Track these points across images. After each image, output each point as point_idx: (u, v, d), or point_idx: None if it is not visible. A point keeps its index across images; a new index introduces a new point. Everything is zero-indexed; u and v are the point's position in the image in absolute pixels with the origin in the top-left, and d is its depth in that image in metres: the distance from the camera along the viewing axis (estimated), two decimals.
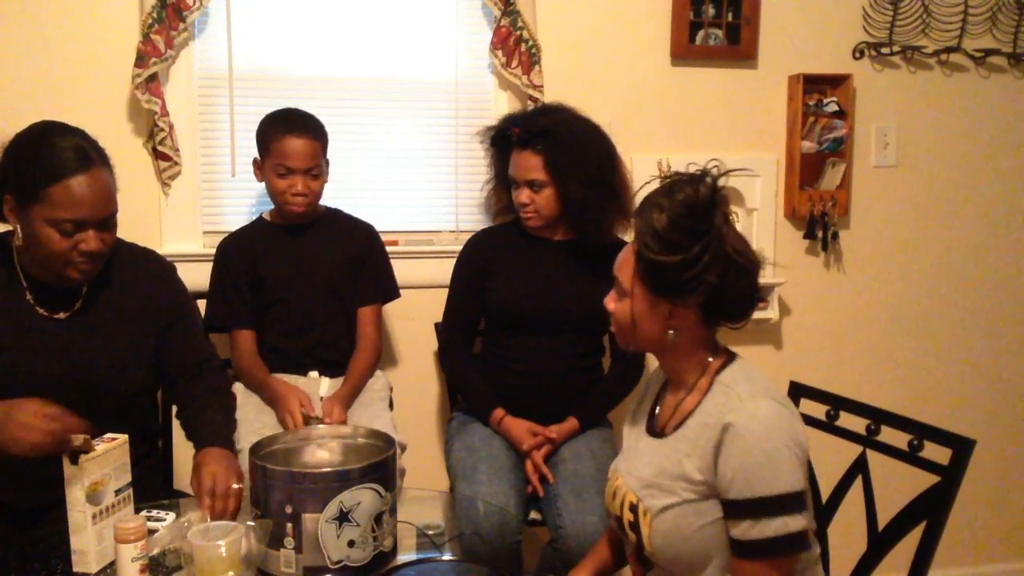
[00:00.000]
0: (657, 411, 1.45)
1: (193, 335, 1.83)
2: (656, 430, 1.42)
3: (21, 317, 1.58)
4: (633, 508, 1.36)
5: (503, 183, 2.22)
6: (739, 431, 1.22)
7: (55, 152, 1.50)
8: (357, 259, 2.18)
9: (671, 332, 1.33)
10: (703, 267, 1.25)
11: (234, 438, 1.75)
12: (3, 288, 1.58)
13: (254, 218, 2.21)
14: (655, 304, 1.32)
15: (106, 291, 1.66)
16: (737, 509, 1.23)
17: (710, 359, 1.36)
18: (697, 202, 1.26)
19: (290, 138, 2.03)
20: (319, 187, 2.09)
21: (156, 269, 1.76)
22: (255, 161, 2.11)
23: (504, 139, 2.14)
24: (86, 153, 1.52)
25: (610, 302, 1.40)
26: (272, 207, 2.16)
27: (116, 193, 1.58)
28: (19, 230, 1.53)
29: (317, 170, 2.07)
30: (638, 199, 1.36)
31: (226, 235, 2.18)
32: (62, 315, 1.61)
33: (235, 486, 1.51)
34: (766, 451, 1.21)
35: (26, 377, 1.55)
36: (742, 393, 1.27)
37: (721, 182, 1.30)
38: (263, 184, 2.12)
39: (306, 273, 2.12)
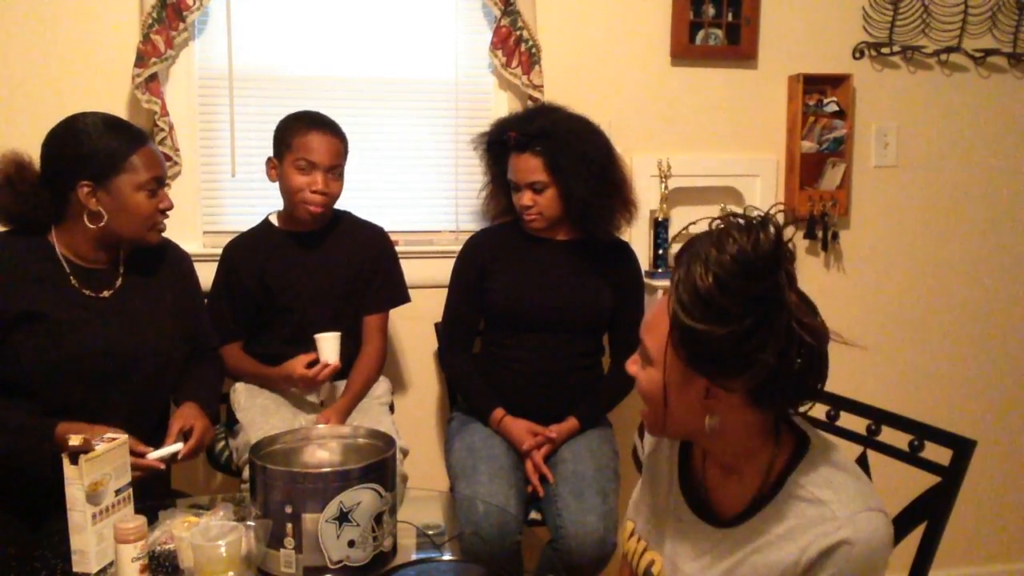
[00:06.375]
0: (694, 468, 1.22)
1: (204, 322, 1.99)
2: (703, 508, 1.18)
3: (68, 297, 1.71)
4: None
5: (500, 188, 2.22)
6: (844, 555, 1.02)
7: (119, 129, 1.70)
8: (369, 268, 2.14)
9: (708, 417, 1.06)
10: (757, 344, 0.98)
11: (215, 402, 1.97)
12: (49, 273, 1.71)
13: (260, 220, 2.17)
14: (689, 379, 1.05)
15: (139, 274, 1.81)
16: None
17: (771, 447, 1.11)
18: (755, 259, 0.98)
19: (315, 133, 1.99)
20: (338, 190, 2.06)
21: (178, 258, 1.92)
22: (269, 160, 2.07)
23: (500, 144, 2.14)
24: (137, 128, 1.75)
25: (632, 365, 1.14)
26: (279, 210, 2.12)
27: None
28: (102, 211, 1.68)
29: (339, 170, 2.04)
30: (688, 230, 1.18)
31: (233, 237, 2.15)
32: (106, 293, 1.75)
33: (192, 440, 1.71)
34: (863, 572, 1.03)
35: (74, 349, 1.67)
36: (837, 508, 1.04)
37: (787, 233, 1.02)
38: (265, 184, 2.10)
39: (315, 283, 2.08)
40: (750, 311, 0.98)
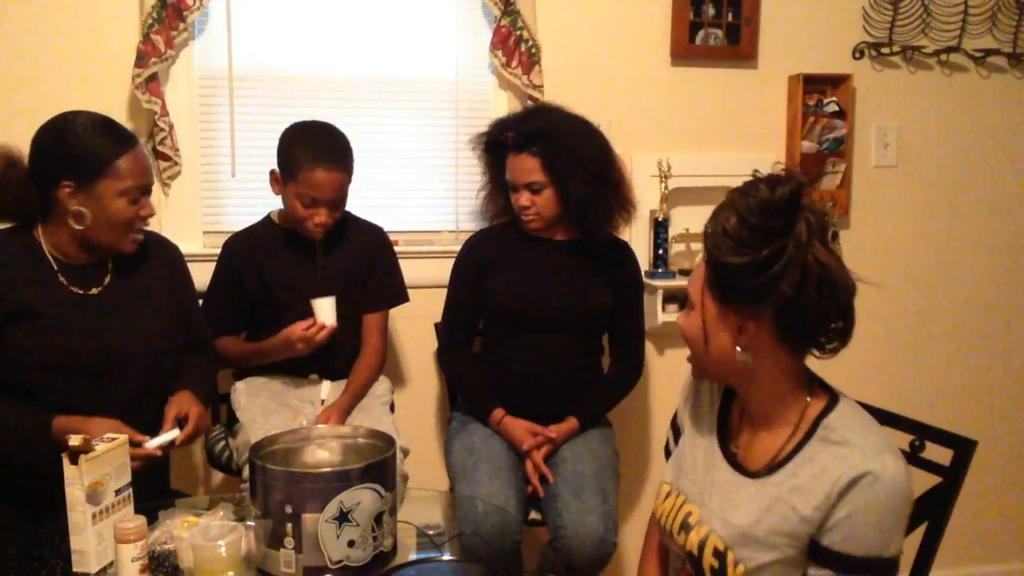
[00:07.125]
0: (731, 429, 1.33)
1: (198, 315, 1.99)
2: (740, 463, 1.27)
3: (57, 296, 1.70)
4: (719, 554, 1.23)
5: (498, 188, 2.22)
6: (868, 485, 1.11)
7: (108, 132, 1.67)
8: (367, 266, 2.15)
9: (739, 350, 1.19)
10: (775, 274, 1.12)
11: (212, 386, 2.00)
12: (37, 271, 1.70)
13: (261, 216, 2.17)
14: (724, 316, 1.19)
15: (128, 270, 1.79)
16: (828, 558, 1.14)
17: (806, 398, 1.23)
18: (772, 200, 1.14)
19: (321, 171, 1.95)
20: (340, 215, 2.06)
21: (168, 251, 1.90)
22: (273, 173, 2.04)
23: (497, 144, 2.14)
24: (127, 132, 1.71)
25: (681, 317, 1.28)
26: (279, 207, 2.12)
27: None
28: (84, 212, 1.65)
29: (343, 201, 2.04)
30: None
31: (233, 233, 2.15)
32: (95, 291, 1.73)
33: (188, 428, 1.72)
34: (887, 512, 1.11)
35: (67, 347, 1.66)
36: (865, 447, 1.14)
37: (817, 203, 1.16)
38: (265, 185, 2.08)
39: (314, 281, 2.08)
40: (767, 243, 1.12)
